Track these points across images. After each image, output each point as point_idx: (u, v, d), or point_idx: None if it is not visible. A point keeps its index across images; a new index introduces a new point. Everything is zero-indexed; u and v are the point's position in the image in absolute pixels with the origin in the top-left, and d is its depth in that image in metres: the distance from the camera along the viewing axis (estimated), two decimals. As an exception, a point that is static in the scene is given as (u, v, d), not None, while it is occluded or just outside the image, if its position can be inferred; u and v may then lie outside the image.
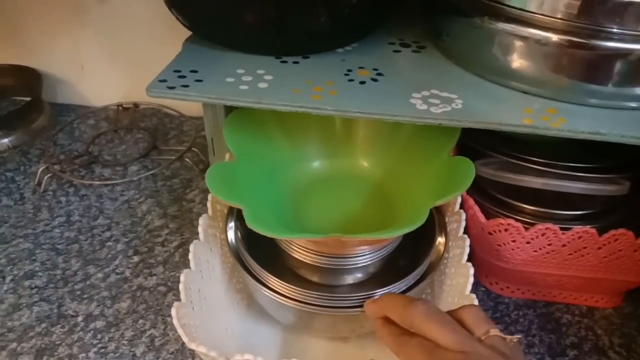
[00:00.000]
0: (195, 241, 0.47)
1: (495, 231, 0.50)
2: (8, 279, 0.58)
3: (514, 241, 0.50)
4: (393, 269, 0.47)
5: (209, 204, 0.50)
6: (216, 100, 0.43)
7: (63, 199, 0.69)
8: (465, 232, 0.49)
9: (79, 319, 0.54)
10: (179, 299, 0.50)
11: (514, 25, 0.42)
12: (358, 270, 0.47)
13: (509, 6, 0.42)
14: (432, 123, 0.41)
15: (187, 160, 0.74)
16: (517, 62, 0.43)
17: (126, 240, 0.63)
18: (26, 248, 0.62)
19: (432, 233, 0.49)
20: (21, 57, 0.85)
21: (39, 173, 0.71)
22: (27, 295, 0.56)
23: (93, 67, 0.86)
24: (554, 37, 0.41)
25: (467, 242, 0.47)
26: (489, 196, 0.55)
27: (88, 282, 0.58)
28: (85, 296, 0.56)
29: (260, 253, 0.46)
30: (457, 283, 0.46)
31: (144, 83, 0.45)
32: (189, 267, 0.46)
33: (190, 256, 0.46)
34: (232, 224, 0.50)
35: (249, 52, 0.48)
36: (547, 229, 0.48)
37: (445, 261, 0.50)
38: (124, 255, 0.61)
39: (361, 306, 0.43)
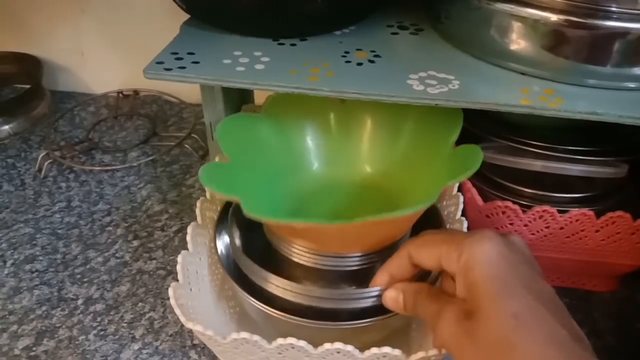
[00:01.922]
0: (192, 223, 0.47)
1: (492, 214, 0.50)
2: (9, 263, 0.58)
3: (511, 224, 0.50)
4: None
5: (197, 211, 0.48)
6: (213, 81, 0.43)
7: (63, 184, 0.69)
8: (462, 215, 0.48)
9: (79, 302, 0.54)
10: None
11: (512, 6, 0.42)
12: (358, 275, 0.44)
13: (506, -14, 0.42)
14: (428, 104, 0.41)
15: (187, 146, 0.74)
16: (515, 43, 0.43)
17: (126, 225, 0.63)
18: (27, 233, 0.62)
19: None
20: (22, 45, 0.85)
21: (39, 159, 0.71)
22: (28, 279, 0.57)
23: (93, 54, 0.86)
24: (553, 17, 0.40)
25: (465, 224, 0.47)
26: (487, 179, 0.55)
27: (88, 266, 0.58)
28: (85, 280, 0.57)
29: (254, 260, 0.43)
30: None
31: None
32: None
33: (188, 238, 0.46)
34: (223, 235, 0.48)
35: (246, 34, 0.48)
36: (544, 211, 0.48)
37: None
38: (123, 240, 0.61)
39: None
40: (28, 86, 0.79)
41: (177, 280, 0.43)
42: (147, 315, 0.53)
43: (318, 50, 0.47)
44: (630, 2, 0.38)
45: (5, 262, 0.59)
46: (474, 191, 0.50)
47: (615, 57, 0.41)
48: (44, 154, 0.72)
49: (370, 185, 0.51)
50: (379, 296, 0.40)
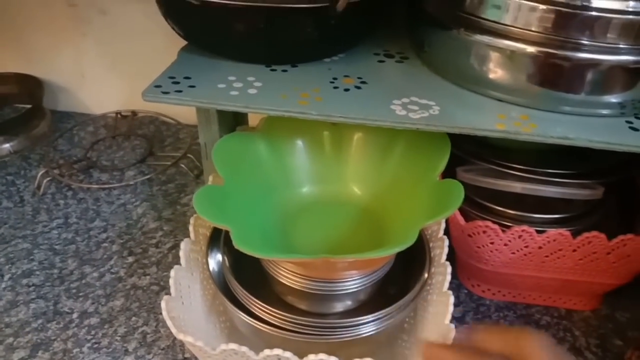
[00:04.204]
0: (186, 239, 0.49)
1: (474, 233, 0.52)
2: (6, 277, 0.60)
3: (492, 243, 0.52)
4: (384, 298, 0.46)
5: (191, 228, 0.50)
6: (208, 104, 0.45)
7: (61, 201, 0.71)
8: (447, 258, 0.49)
9: (74, 315, 0.56)
10: None
11: (489, 37, 0.44)
12: (348, 297, 0.47)
13: (484, 19, 0.44)
14: (410, 128, 0.43)
15: (183, 166, 0.76)
16: (492, 71, 0.45)
17: (121, 241, 0.65)
18: (25, 248, 0.64)
19: (422, 261, 0.49)
20: (24, 66, 0.88)
21: (38, 177, 0.73)
22: (25, 293, 0.58)
23: (93, 75, 0.88)
24: (528, 49, 0.43)
25: (449, 269, 0.47)
26: (470, 201, 0.57)
27: (84, 281, 0.60)
28: (80, 294, 0.58)
29: (245, 279, 0.46)
30: (438, 311, 0.45)
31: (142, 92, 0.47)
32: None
33: (181, 254, 0.48)
34: (215, 252, 0.50)
35: (240, 60, 0.51)
36: (523, 231, 0.50)
37: (429, 287, 0.50)
38: (119, 256, 0.63)
39: (348, 333, 0.43)
40: (29, 106, 0.82)
41: (170, 294, 0.45)
42: (140, 329, 0.54)
43: (308, 76, 0.49)
44: (600, 35, 0.41)
45: (2, 276, 0.60)
46: (456, 212, 0.52)
47: (588, 86, 0.43)
48: (43, 171, 0.74)
49: (359, 206, 0.53)
50: (364, 324, 0.43)
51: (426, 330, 0.48)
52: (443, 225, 0.51)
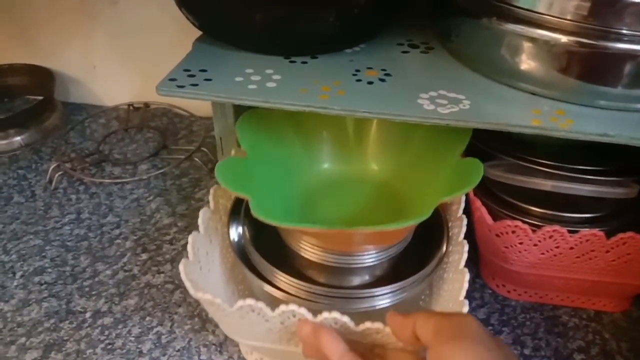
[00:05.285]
0: (205, 208, 0.48)
1: (502, 233, 0.50)
2: (18, 274, 0.59)
3: (521, 243, 0.50)
4: (401, 275, 0.46)
5: (210, 197, 0.50)
6: (225, 99, 0.43)
7: (73, 196, 0.70)
8: (465, 237, 0.48)
9: (87, 315, 0.54)
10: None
11: (522, 27, 0.42)
12: (365, 271, 0.47)
13: (517, 7, 0.42)
14: (439, 123, 0.41)
15: (197, 159, 0.74)
16: (525, 63, 0.43)
17: (135, 238, 0.63)
18: (36, 244, 0.63)
19: (440, 239, 0.49)
20: (35, 57, 0.86)
21: (50, 171, 0.72)
22: (37, 291, 0.57)
23: (105, 67, 0.87)
24: (563, 39, 0.41)
25: (466, 247, 0.46)
26: (496, 198, 0.55)
27: (96, 279, 0.58)
28: (93, 293, 0.57)
29: (266, 252, 0.46)
30: (454, 288, 0.45)
31: (155, 83, 0.45)
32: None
33: (200, 221, 0.47)
34: (236, 223, 0.50)
35: (258, 52, 0.49)
36: (554, 231, 0.48)
37: (445, 266, 0.49)
38: (132, 253, 0.61)
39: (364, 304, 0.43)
40: (40, 98, 0.80)
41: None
42: (155, 330, 0.53)
43: (329, 68, 0.47)
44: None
45: (14, 273, 0.59)
46: (483, 210, 0.50)
47: (626, 79, 0.41)
48: (54, 165, 0.72)
49: (380, 184, 0.53)
50: (380, 295, 0.44)
51: (440, 306, 0.48)
52: (462, 205, 0.50)
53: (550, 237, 0.48)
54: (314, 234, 0.44)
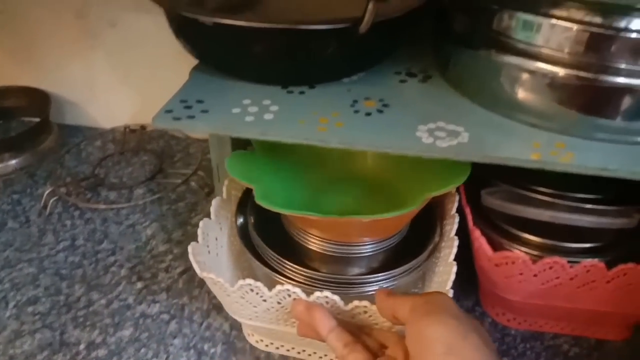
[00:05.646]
0: (217, 197, 0.53)
1: (502, 263, 0.49)
2: (11, 304, 0.58)
3: (521, 274, 0.49)
4: (394, 267, 0.50)
5: (224, 188, 0.55)
6: (222, 131, 0.43)
7: (68, 222, 0.69)
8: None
9: (81, 347, 0.53)
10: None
11: (521, 59, 0.42)
12: (361, 262, 0.51)
13: (515, 39, 0.42)
14: (438, 157, 0.41)
15: (193, 183, 0.74)
16: (524, 95, 0.43)
17: (130, 265, 0.63)
18: (30, 273, 0.62)
19: (432, 235, 0.53)
20: (31, 78, 0.86)
21: (44, 196, 0.71)
22: (30, 322, 0.56)
23: (102, 88, 0.86)
24: (562, 72, 0.40)
25: (456, 242, 0.49)
26: (495, 227, 0.55)
27: (91, 309, 0.57)
28: (88, 323, 0.56)
29: (271, 242, 0.51)
30: (443, 280, 0.48)
31: (152, 105, 0.45)
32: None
33: (212, 209, 0.52)
34: (244, 212, 0.55)
35: (256, 82, 0.48)
36: (554, 262, 0.47)
37: (436, 260, 0.53)
38: (127, 282, 0.60)
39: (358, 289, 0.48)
40: (36, 119, 0.80)
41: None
42: (150, 362, 0.52)
43: (327, 98, 0.47)
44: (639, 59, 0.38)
45: (7, 303, 0.58)
46: (482, 240, 0.49)
47: (625, 112, 0.41)
48: (49, 190, 0.71)
49: (379, 182, 0.56)
50: (374, 282, 0.49)
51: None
52: (456, 204, 0.52)
53: (551, 268, 0.48)
54: (313, 223, 0.49)
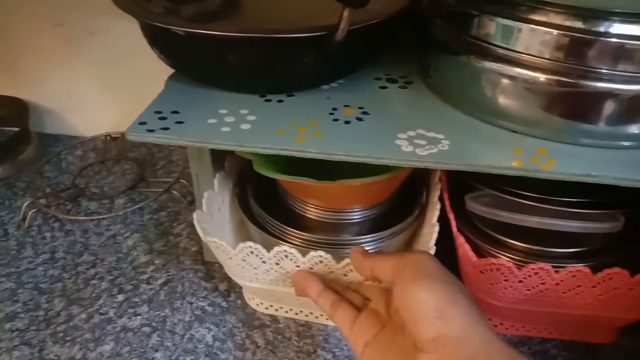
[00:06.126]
0: (221, 172, 0.56)
1: (486, 270, 0.48)
2: (-12, 321, 0.57)
3: (506, 280, 0.48)
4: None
5: (226, 163, 0.58)
6: (197, 143, 0.42)
7: (48, 234, 0.67)
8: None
9: (60, 364, 0.52)
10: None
11: (501, 65, 0.41)
12: (352, 227, 0.56)
13: (495, 45, 0.41)
14: (418, 166, 0.40)
15: (175, 192, 0.73)
16: (505, 101, 0.42)
17: (111, 277, 0.61)
18: (8, 288, 0.60)
19: (417, 202, 0.58)
20: (8, 87, 0.84)
21: (23, 208, 0.69)
22: (8, 339, 0.55)
23: (82, 97, 0.85)
24: (542, 77, 0.40)
25: (438, 205, 0.52)
26: (480, 232, 0.54)
27: (71, 324, 0.56)
28: (67, 339, 0.55)
29: (269, 209, 0.55)
30: (426, 241, 0.50)
31: (133, 113, 0.45)
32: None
33: (215, 181, 0.55)
34: (244, 183, 0.59)
35: (232, 90, 0.47)
36: (540, 268, 0.47)
37: (421, 224, 0.57)
38: (108, 294, 0.59)
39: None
40: (15, 129, 0.78)
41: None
42: (131, 378, 0.51)
43: (305, 106, 0.46)
44: (621, 64, 0.38)
45: (-15, 320, 0.57)
46: (466, 247, 0.49)
47: (608, 117, 0.40)
48: (28, 202, 0.70)
49: None
50: (363, 243, 0.53)
51: None
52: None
53: (536, 273, 0.47)
54: (307, 189, 0.53)
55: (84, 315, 0.57)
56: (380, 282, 0.41)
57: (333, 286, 0.46)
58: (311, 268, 0.47)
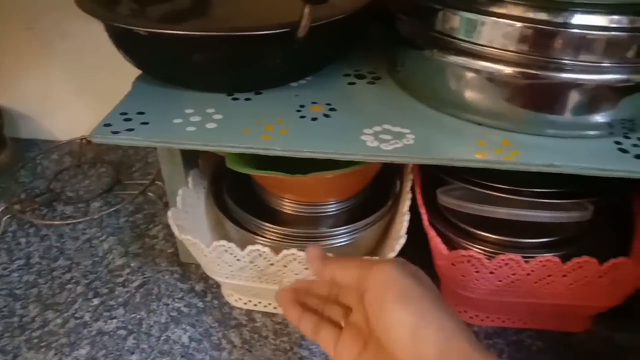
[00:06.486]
0: (195, 169, 0.56)
1: (458, 262, 0.49)
2: (-38, 329, 0.56)
3: (477, 272, 0.49)
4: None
5: (200, 161, 0.58)
6: (161, 144, 0.42)
7: (23, 240, 0.67)
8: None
9: (35, 370, 0.52)
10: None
11: (464, 58, 0.41)
12: (327, 220, 0.57)
13: (458, 39, 0.41)
14: (383, 160, 0.40)
15: (151, 194, 0.72)
16: (469, 94, 0.42)
17: (86, 281, 0.61)
18: (-18, 295, 0.60)
19: (390, 195, 0.58)
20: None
21: (-2, 214, 0.69)
22: (-19, 347, 0.54)
23: (56, 100, 0.84)
24: (506, 70, 0.40)
25: (409, 195, 0.53)
26: (453, 226, 0.54)
27: (46, 329, 0.56)
28: (42, 344, 0.54)
29: (244, 205, 0.56)
30: (398, 229, 0.51)
31: None
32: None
33: (189, 179, 0.55)
34: (218, 180, 0.60)
35: (199, 90, 0.47)
36: (510, 259, 0.47)
37: (393, 216, 0.57)
38: (83, 299, 0.59)
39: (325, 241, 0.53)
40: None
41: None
42: (107, 382, 0.51)
43: (273, 104, 0.46)
44: (582, 54, 0.38)
45: (-42, 328, 0.56)
46: (437, 240, 0.49)
47: (572, 107, 0.40)
48: (3, 208, 0.69)
49: None
50: (337, 235, 0.54)
51: (388, 246, 0.54)
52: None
53: (506, 264, 0.48)
54: (281, 183, 0.53)
55: (59, 320, 0.57)
56: (339, 285, 0.41)
57: (313, 300, 0.43)
58: (285, 266, 0.47)
